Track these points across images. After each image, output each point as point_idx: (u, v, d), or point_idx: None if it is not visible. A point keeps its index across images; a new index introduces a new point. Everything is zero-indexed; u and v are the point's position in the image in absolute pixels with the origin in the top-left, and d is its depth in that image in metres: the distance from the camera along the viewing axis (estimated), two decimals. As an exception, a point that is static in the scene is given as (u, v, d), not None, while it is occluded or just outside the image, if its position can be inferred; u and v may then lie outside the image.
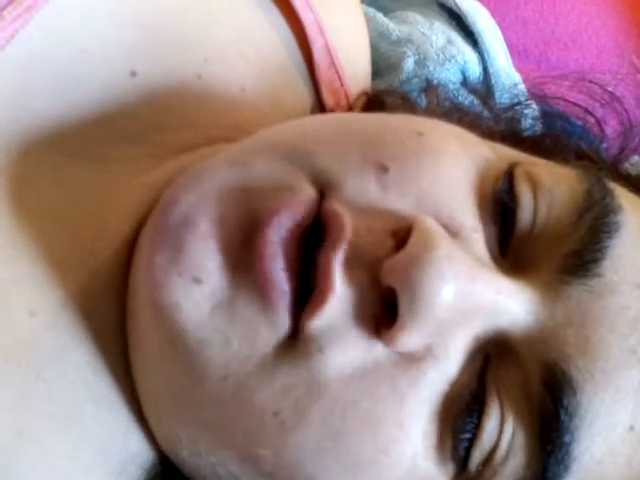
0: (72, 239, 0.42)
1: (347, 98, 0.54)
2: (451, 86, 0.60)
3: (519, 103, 0.57)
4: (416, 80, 0.60)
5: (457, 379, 0.37)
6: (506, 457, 0.37)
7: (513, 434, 0.37)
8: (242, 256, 0.36)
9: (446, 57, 0.62)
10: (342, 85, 0.54)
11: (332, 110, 0.54)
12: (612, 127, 0.54)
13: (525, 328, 0.37)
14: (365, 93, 0.56)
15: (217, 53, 0.48)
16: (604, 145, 0.53)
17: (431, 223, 0.36)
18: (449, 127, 0.43)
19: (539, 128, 0.56)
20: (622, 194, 0.41)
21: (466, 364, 0.37)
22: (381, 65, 0.62)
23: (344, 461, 0.36)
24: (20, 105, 0.42)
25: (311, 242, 0.37)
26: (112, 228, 0.42)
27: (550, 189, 0.39)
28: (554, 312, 0.37)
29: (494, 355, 0.38)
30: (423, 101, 0.57)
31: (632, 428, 0.37)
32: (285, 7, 0.52)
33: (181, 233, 0.37)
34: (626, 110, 0.54)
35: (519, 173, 0.40)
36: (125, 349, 0.41)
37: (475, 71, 0.62)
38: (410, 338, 0.35)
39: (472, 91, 0.59)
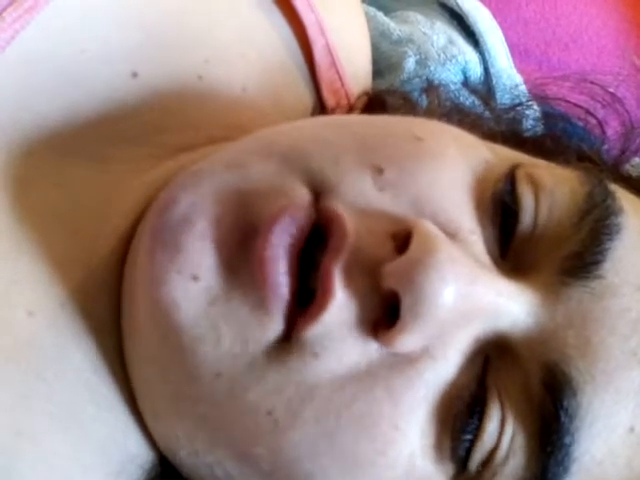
0: (72, 238, 0.42)
1: (348, 98, 0.54)
2: (452, 86, 0.60)
3: (520, 104, 0.57)
4: (417, 80, 0.60)
5: (456, 380, 0.37)
6: (506, 458, 0.37)
7: (513, 435, 0.37)
8: (239, 256, 0.37)
9: (447, 57, 0.62)
10: (343, 85, 0.54)
11: (333, 110, 0.54)
12: (613, 128, 0.54)
13: (525, 330, 0.37)
14: (366, 93, 0.56)
15: (218, 54, 0.48)
16: (605, 146, 0.53)
17: (431, 227, 0.36)
18: (448, 129, 0.43)
19: (540, 129, 0.56)
20: (623, 196, 0.41)
21: (465, 365, 0.37)
22: (382, 65, 0.62)
23: (341, 461, 0.36)
24: (21, 106, 0.42)
25: (311, 241, 0.37)
26: (111, 226, 0.42)
27: (551, 191, 0.39)
28: (554, 314, 0.37)
29: (494, 356, 0.38)
30: (424, 101, 0.57)
31: (632, 429, 0.37)
32: (286, 7, 0.52)
33: (180, 232, 0.37)
34: (627, 111, 0.54)
35: (520, 175, 0.40)
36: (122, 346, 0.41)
37: (476, 71, 0.62)
38: (410, 339, 0.35)
39: (473, 91, 0.59)
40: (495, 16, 0.66)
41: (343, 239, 0.36)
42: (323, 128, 0.42)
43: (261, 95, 0.50)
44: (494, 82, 0.62)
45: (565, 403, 0.36)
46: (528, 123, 0.56)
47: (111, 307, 0.41)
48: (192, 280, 0.36)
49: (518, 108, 0.57)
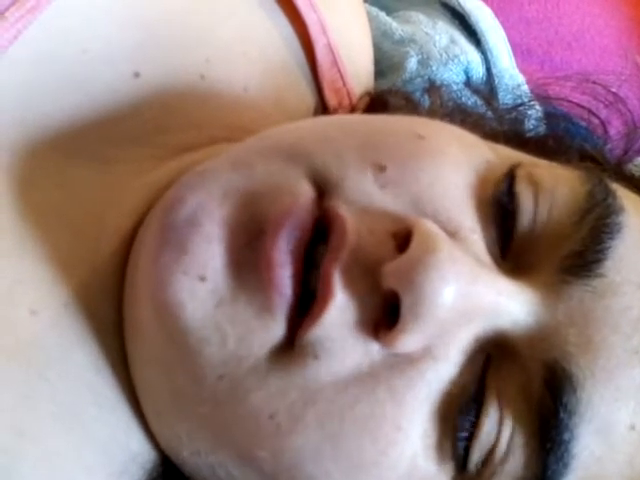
0: (75, 238, 0.42)
1: (349, 97, 0.54)
2: (454, 86, 0.60)
3: (522, 104, 0.57)
4: (419, 80, 0.60)
5: (457, 379, 0.37)
6: (505, 457, 0.37)
7: (512, 434, 0.37)
8: (245, 258, 0.37)
9: (449, 57, 0.62)
10: (344, 84, 0.54)
11: (335, 109, 0.54)
12: (616, 128, 0.54)
13: (526, 329, 0.37)
14: (368, 93, 0.56)
15: (220, 53, 0.48)
16: (608, 146, 0.53)
17: (432, 226, 0.36)
18: (450, 128, 0.43)
19: (542, 129, 0.56)
20: (625, 195, 0.41)
21: (466, 364, 0.37)
22: (384, 65, 0.62)
23: (344, 463, 0.36)
24: (24, 106, 0.43)
25: (314, 237, 0.37)
26: (113, 227, 0.42)
27: (551, 190, 0.39)
28: (555, 312, 0.37)
29: (495, 355, 0.38)
30: (426, 101, 0.57)
31: (633, 427, 0.37)
32: (288, 7, 0.52)
33: (187, 233, 0.37)
34: (630, 111, 0.54)
35: (520, 174, 0.40)
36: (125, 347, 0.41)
37: (478, 71, 0.62)
38: (411, 339, 0.35)
39: (475, 91, 0.59)
40: (497, 15, 0.66)
41: (343, 240, 0.36)
42: (326, 127, 0.42)
43: (263, 95, 0.50)
44: (496, 82, 0.62)
45: (564, 399, 0.36)
46: (530, 123, 0.56)
47: (114, 307, 0.41)
48: (199, 281, 0.36)
49: (520, 108, 0.57)
